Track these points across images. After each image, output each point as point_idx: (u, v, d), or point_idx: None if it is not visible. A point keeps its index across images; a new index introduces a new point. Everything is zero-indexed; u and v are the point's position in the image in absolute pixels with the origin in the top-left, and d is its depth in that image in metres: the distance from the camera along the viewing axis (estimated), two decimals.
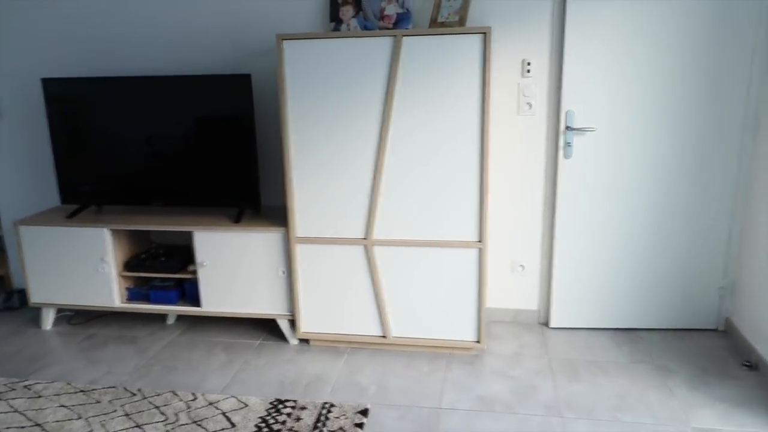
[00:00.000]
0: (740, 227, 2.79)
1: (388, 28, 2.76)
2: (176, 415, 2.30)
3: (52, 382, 2.57)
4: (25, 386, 2.54)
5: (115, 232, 2.97)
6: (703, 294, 2.89)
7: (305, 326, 2.84)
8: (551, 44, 2.76)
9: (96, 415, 2.30)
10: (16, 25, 3.22)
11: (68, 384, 2.54)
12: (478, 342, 2.71)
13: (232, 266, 2.84)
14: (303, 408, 2.33)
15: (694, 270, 2.87)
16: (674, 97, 2.70)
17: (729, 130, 2.70)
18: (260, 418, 2.27)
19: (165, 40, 3.09)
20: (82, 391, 2.49)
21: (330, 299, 2.78)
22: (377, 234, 2.67)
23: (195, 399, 2.41)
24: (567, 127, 2.77)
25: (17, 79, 3.29)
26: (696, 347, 2.77)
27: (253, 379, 2.58)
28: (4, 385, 2.55)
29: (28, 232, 2.99)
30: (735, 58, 2.63)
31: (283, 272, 2.79)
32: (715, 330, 2.93)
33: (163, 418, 2.27)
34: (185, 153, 2.91)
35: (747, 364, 2.57)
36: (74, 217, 3.05)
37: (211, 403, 2.37)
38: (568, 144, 2.79)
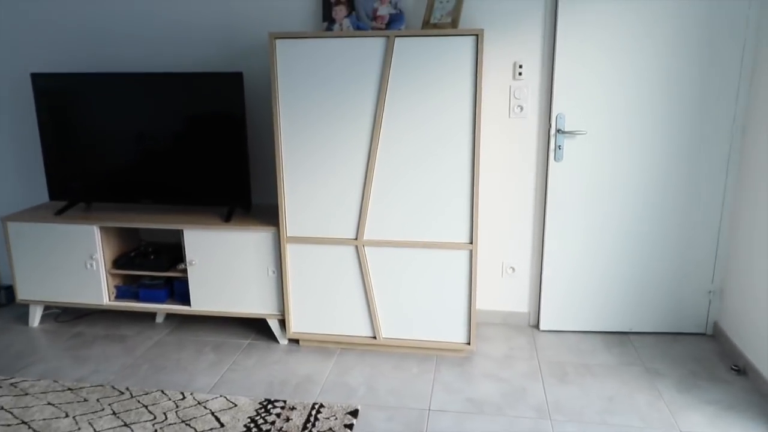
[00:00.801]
0: (729, 231, 2.81)
1: (380, 29, 2.76)
2: (165, 414, 2.28)
3: (39, 379, 2.54)
4: (12, 384, 2.51)
5: (104, 230, 2.94)
6: (692, 298, 2.91)
7: (295, 326, 2.83)
8: (543, 47, 2.77)
9: (83, 414, 2.28)
10: (6, 19, 3.19)
11: (55, 382, 2.52)
12: (468, 344, 2.71)
13: (222, 265, 2.83)
14: (292, 408, 2.32)
15: (683, 274, 2.89)
16: (664, 102, 2.71)
17: (718, 135, 2.72)
18: (249, 418, 2.26)
19: (157, 37, 3.07)
20: (69, 389, 2.47)
21: (320, 299, 2.78)
22: (368, 234, 2.67)
23: (184, 398, 2.39)
24: (558, 130, 2.78)
25: (6, 74, 3.26)
26: (685, 350, 2.79)
27: (243, 379, 2.57)
28: None
29: (16, 229, 2.96)
30: (724, 64, 2.64)
31: (273, 272, 2.78)
32: (704, 334, 2.94)
33: (151, 417, 2.26)
34: (176, 151, 2.90)
35: (735, 368, 2.59)
36: (63, 213, 3.02)
37: (199, 403, 2.36)
38: (558, 147, 2.80)
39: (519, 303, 3.08)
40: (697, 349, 2.80)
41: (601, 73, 2.71)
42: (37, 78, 2.92)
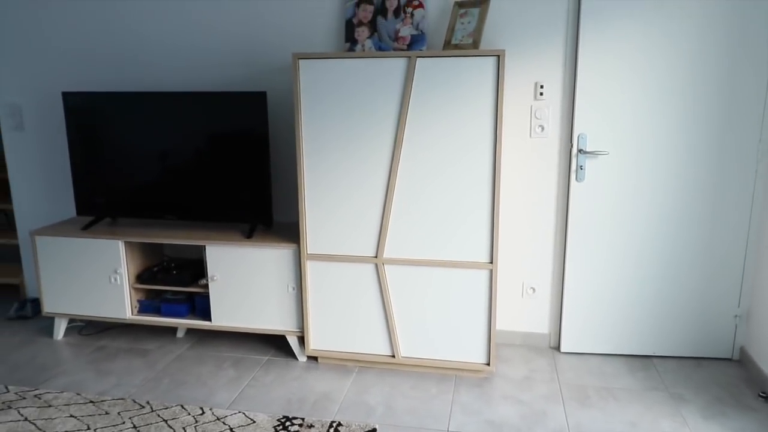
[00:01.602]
0: (756, 254, 2.75)
1: (402, 50, 2.79)
2: (184, 429, 2.29)
3: (62, 392, 2.58)
4: (36, 395, 2.55)
5: (129, 245, 3.00)
6: (718, 322, 2.85)
7: (314, 343, 2.84)
8: (564, 68, 2.77)
9: (105, 427, 2.31)
10: (39, 40, 3.30)
11: (78, 394, 2.56)
12: (487, 364, 2.69)
13: (243, 281, 2.85)
14: (310, 426, 2.32)
15: (708, 297, 2.83)
16: (688, 123, 2.69)
17: (743, 156, 2.68)
18: None
19: (183, 57, 3.15)
20: (91, 401, 2.50)
21: (339, 317, 2.78)
22: (388, 252, 2.68)
23: (203, 413, 2.40)
24: (579, 150, 2.77)
25: (39, 92, 3.36)
26: (711, 376, 2.73)
27: (261, 396, 2.57)
28: (15, 393, 2.57)
29: (43, 242, 3.03)
30: (748, 84, 2.62)
31: (293, 288, 2.80)
32: (729, 359, 2.88)
33: None
34: (200, 168, 2.95)
35: (763, 395, 2.52)
36: (89, 228, 3.09)
37: (218, 419, 2.37)
38: (580, 167, 2.79)
39: (539, 324, 3.05)
40: (723, 374, 2.74)
41: (624, 94, 2.70)
42: (68, 96, 3.01)
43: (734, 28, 2.58)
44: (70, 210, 3.49)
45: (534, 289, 3.01)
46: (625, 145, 2.75)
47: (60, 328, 3.16)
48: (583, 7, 2.65)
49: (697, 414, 2.40)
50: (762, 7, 2.54)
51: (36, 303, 3.50)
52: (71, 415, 2.39)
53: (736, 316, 2.83)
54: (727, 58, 2.61)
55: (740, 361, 2.85)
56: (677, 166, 2.73)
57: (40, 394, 2.56)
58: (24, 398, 2.53)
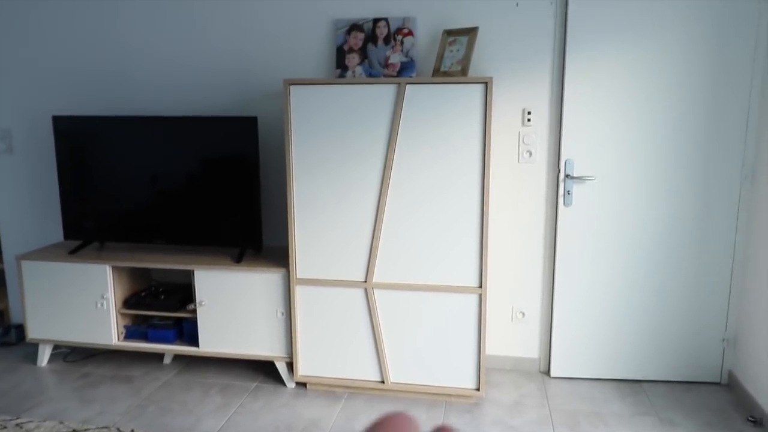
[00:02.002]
0: (741, 277, 2.78)
1: (392, 76, 2.83)
2: None
3: (45, 420, 2.53)
4: (17, 424, 2.50)
5: (116, 269, 2.97)
6: (705, 346, 2.86)
7: (303, 369, 2.81)
8: (551, 94, 2.82)
9: None
10: (30, 63, 3.31)
11: (61, 423, 2.50)
12: (477, 390, 2.67)
13: (232, 306, 2.83)
14: None
15: (696, 321, 2.85)
16: (673, 148, 2.74)
17: (727, 180, 2.73)
18: None
19: (174, 82, 3.17)
20: (74, 430, 2.45)
21: (328, 342, 2.76)
22: (377, 277, 2.68)
23: None
24: (567, 176, 2.81)
25: (29, 116, 3.36)
26: (700, 400, 2.73)
27: (249, 423, 2.53)
28: None
29: (29, 267, 3.00)
30: (730, 111, 2.68)
31: (282, 314, 2.78)
32: (718, 383, 2.88)
33: None
34: (189, 192, 2.95)
35: (752, 419, 2.53)
36: (76, 253, 3.06)
37: None
38: (567, 192, 2.82)
39: (529, 348, 3.04)
40: (712, 398, 2.74)
41: (610, 120, 2.75)
42: (58, 120, 3.01)
43: (716, 57, 2.65)
44: (57, 234, 3.46)
45: (523, 314, 3.01)
46: (612, 171, 2.79)
47: (44, 355, 3.11)
48: (568, 36, 2.71)
49: None
50: (743, 38, 2.62)
51: (20, 329, 3.44)
52: None
53: (723, 340, 2.85)
54: (710, 86, 2.67)
55: (729, 385, 2.86)
56: (663, 191, 2.77)
57: (21, 423, 2.51)
58: (5, 427, 2.47)
